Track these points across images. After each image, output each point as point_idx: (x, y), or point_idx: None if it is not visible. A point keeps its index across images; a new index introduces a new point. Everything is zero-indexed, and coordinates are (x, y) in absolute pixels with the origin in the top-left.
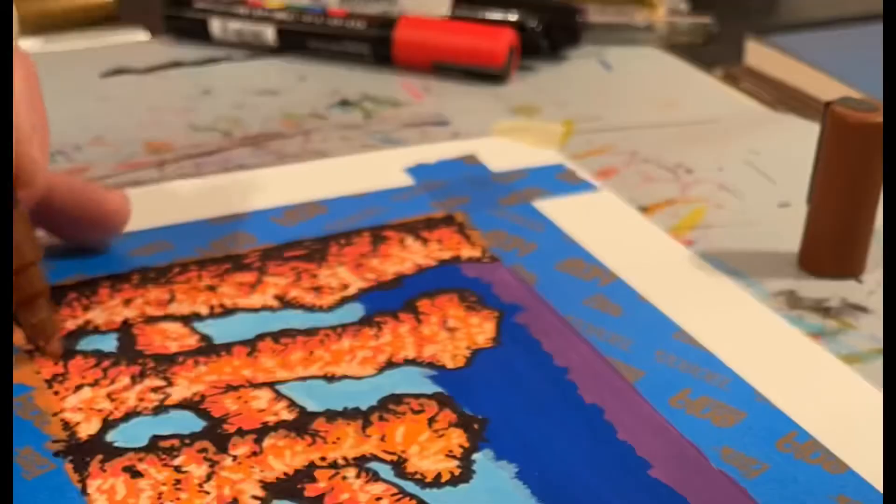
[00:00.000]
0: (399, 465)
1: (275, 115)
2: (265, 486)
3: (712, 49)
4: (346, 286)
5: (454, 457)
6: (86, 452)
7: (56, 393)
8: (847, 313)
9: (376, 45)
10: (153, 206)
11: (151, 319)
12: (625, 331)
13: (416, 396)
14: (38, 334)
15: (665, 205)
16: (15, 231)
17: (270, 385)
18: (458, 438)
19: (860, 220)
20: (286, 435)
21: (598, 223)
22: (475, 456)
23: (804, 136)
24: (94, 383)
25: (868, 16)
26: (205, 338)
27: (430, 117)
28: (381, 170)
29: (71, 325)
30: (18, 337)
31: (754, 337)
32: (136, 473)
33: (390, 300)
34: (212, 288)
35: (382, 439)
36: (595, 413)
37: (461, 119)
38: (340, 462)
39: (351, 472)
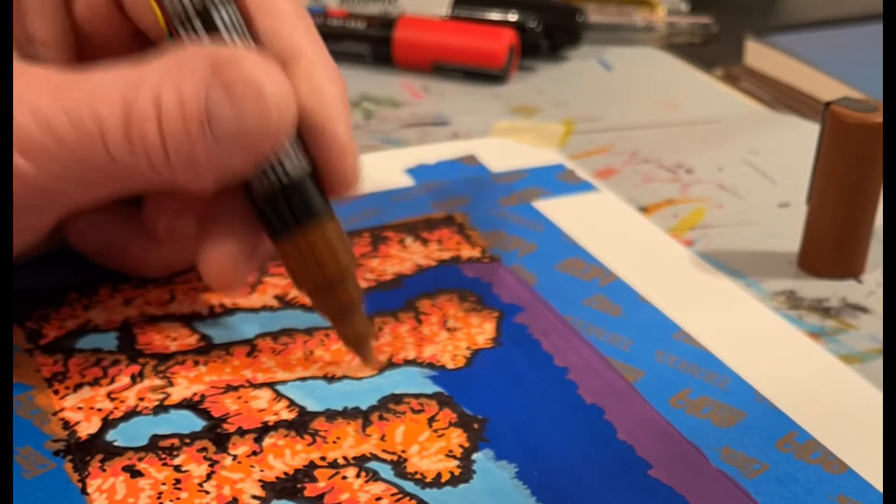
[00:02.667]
0: (399, 465)
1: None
2: (265, 485)
3: (712, 49)
4: None
5: (454, 457)
6: (86, 452)
7: (56, 392)
8: (847, 313)
9: (376, 45)
10: None
11: (151, 319)
12: (625, 331)
13: (416, 396)
14: (356, 346)
15: (665, 205)
16: (326, 235)
17: (270, 385)
18: (458, 438)
19: (860, 220)
20: (286, 434)
21: (598, 223)
22: (475, 456)
23: (804, 136)
24: (94, 382)
25: (868, 16)
26: (205, 337)
27: (430, 117)
28: (380, 170)
29: (71, 324)
30: (18, 336)
31: (754, 337)
32: (135, 473)
33: (390, 300)
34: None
35: (382, 439)
36: (595, 413)
37: (461, 119)
38: (340, 462)
39: (351, 472)
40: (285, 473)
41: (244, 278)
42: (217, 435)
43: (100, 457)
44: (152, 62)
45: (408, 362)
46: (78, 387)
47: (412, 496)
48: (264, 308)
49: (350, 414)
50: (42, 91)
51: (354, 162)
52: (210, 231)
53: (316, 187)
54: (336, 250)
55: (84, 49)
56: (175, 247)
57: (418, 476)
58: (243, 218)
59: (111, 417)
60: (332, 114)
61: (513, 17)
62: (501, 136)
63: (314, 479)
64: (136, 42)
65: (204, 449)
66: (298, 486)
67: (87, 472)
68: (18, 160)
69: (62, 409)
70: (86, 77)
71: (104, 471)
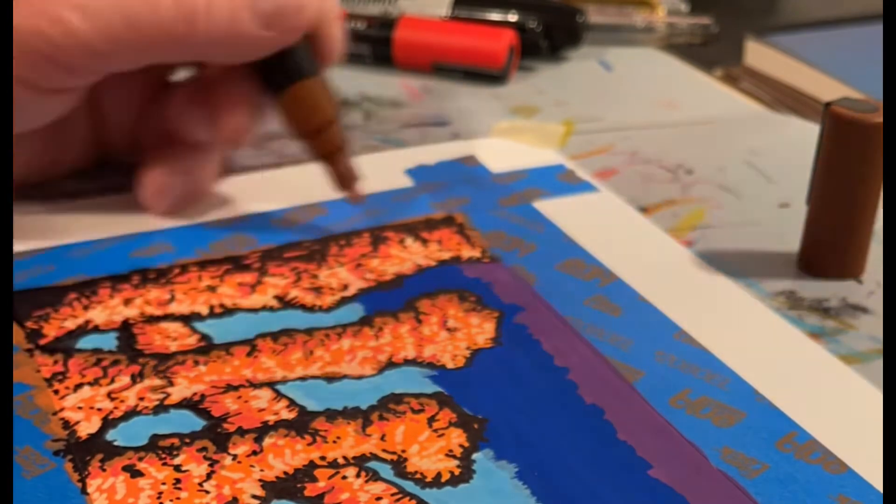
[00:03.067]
0: (399, 465)
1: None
2: (265, 485)
3: (712, 49)
4: (345, 286)
5: (454, 456)
6: (86, 451)
7: (56, 392)
8: (847, 313)
9: (376, 45)
10: None
11: (151, 319)
12: (625, 331)
13: (416, 396)
14: (343, 182)
15: (665, 205)
16: (316, 90)
17: (270, 385)
18: (458, 438)
19: (860, 221)
20: (286, 434)
21: (598, 223)
22: (475, 456)
23: (804, 136)
24: (94, 382)
25: (868, 16)
26: (205, 338)
27: (430, 118)
28: (380, 170)
29: (71, 324)
30: (18, 336)
31: (754, 337)
32: (135, 472)
33: (390, 300)
34: (212, 288)
35: (382, 439)
36: (595, 413)
37: (461, 119)
38: (340, 461)
39: (351, 472)
40: (285, 473)
41: (254, 136)
42: (217, 435)
43: (100, 456)
44: None
45: (408, 362)
46: (78, 387)
47: (412, 496)
48: (264, 308)
49: (350, 414)
50: None
51: (340, 33)
52: (223, 105)
53: (307, 53)
54: (322, 101)
55: None
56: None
57: (418, 476)
58: (250, 89)
59: (111, 417)
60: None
61: (513, 17)
62: (501, 137)
63: (314, 479)
64: None
65: (204, 449)
66: (298, 485)
67: (87, 472)
68: (73, 16)
69: (62, 409)
70: None
71: (104, 470)
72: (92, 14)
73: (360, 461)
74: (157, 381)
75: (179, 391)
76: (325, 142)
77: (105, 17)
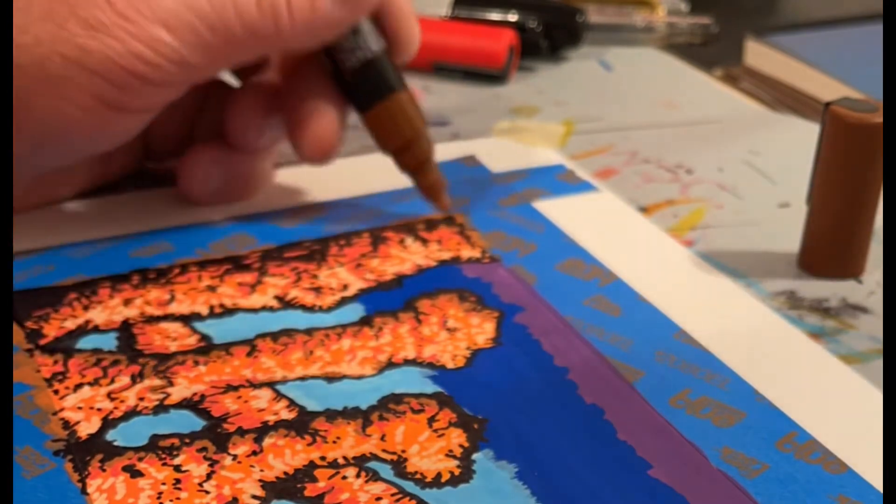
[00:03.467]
0: (399, 465)
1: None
2: (265, 485)
3: (712, 49)
4: (345, 286)
5: (454, 456)
6: (86, 452)
7: (56, 392)
8: (847, 313)
9: None
10: (153, 208)
11: (151, 319)
12: (625, 331)
13: (416, 396)
14: (431, 193)
15: (665, 205)
16: (402, 105)
17: (270, 385)
18: (457, 438)
19: (860, 220)
20: (286, 434)
21: (598, 223)
22: (475, 456)
23: (804, 136)
24: (94, 382)
25: (868, 16)
26: (205, 338)
27: (430, 117)
28: (381, 170)
29: (71, 324)
30: (18, 336)
31: (754, 337)
32: (135, 473)
33: (390, 300)
34: (212, 288)
35: (382, 439)
36: (595, 413)
37: (461, 119)
38: (340, 461)
39: (351, 472)
40: (285, 473)
41: (340, 141)
42: (217, 435)
43: (100, 457)
44: None
45: (408, 362)
46: (78, 387)
47: (412, 496)
48: (264, 308)
49: (350, 414)
50: None
51: (416, 26)
52: (303, 113)
53: (391, 64)
54: (411, 115)
55: None
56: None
57: (418, 476)
58: (328, 97)
59: (111, 417)
60: None
61: (513, 17)
62: (501, 137)
63: (314, 479)
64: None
65: (204, 449)
66: (298, 485)
67: (87, 472)
68: (164, 35)
69: (62, 409)
70: None
71: (104, 471)
72: (177, 28)
73: (360, 461)
74: (157, 382)
75: (179, 391)
76: (412, 156)
77: (192, 29)
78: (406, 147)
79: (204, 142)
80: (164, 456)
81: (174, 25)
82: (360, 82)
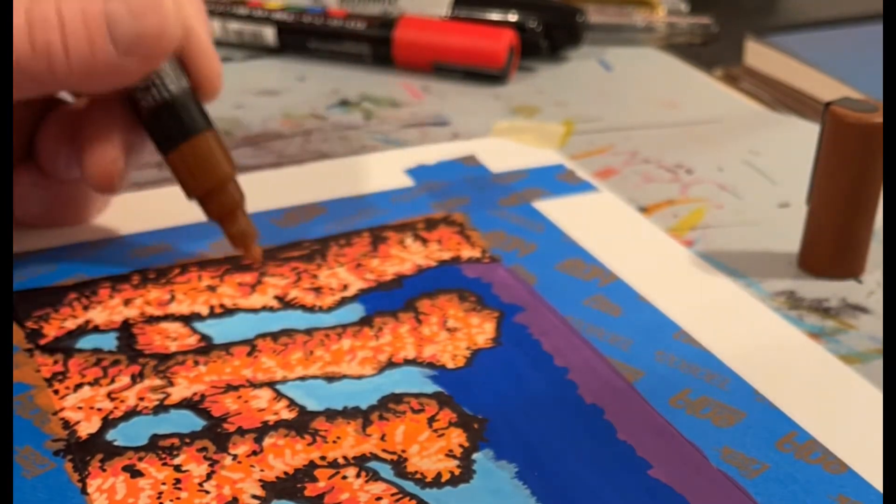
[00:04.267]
0: (399, 465)
1: (275, 116)
2: (265, 485)
3: (712, 49)
4: (345, 286)
5: (454, 456)
6: (86, 451)
7: (56, 392)
8: (847, 313)
9: (376, 45)
10: (153, 208)
11: (151, 319)
12: (625, 331)
13: (417, 396)
14: (240, 243)
15: (665, 205)
16: (213, 150)
17: (270, 384)
18: (458, 438)
19: (860, 220)
20: (286, 434)
21: (598, 223)
22: (475, 456)
23: (804, 136)
24: (94, 382)
25: (868, 16)
26: (205, 338)
27: (430, 117)
28: (380, 170)
29: (71, 324)
30: (18, 336)
31: (754, 337)
32: (135, 472)
33: (390, 300)
34: (212, 288)
35: (382, 439)
36: (595, 413)
37: (461, 119)
38: (340, 461)
39: (351, 472)
40: (285, 473)
41: (124, 177)
42: (217, 435)
43: (100, 456)
44: None
45: (408, 362)
46: (78, 387)
47: (412, 496)
48: (264, 308)
49: (350, 413)
50: None
51: (218, 66)
52: (92, 144)
53: (195, 102)
54: (217, 159)
55: None
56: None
57: (418, 476)
58: (119, 132)
59: (111, 417)
60: (194, 23)
61: (513, 17)
62: (501, 137)
63: (314, 479)
64: None
65: (204, 449)
66: (298, 485)
67: (87, 472)
68: None
69: (62, 409)
70: None
71: (104, 470)
72: None
73: (360, 461)
74: (157, 382)
75: (179, 391)
76: (218, 204)
77: None
78: (209, 194)
79: (27, 163)
80: (164, 456)
81: None
82: (157, 123)
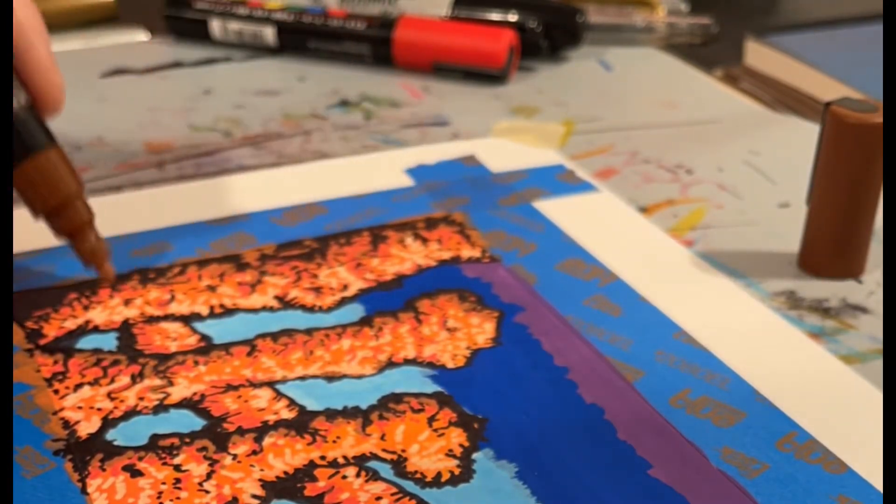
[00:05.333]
0: (399, 465)
1: (275, 116)
2: (265, 484)
3: (712, 49)
4: (345, 286)
5: (454, 456)
6: (86, 451)
7: (56, 392)
8: (847, 313)
9: (376, 45)
10: (153, 208)
11: (151, 319)
12: (625, 331)
13: (417, 395)
14: (91, 259)
15: (665, 205)
16: (57, 167)
17: (270, 384)
18: (458, 438)
19: (860, 221)
20: (286, 434)
21: (598, 223)
22: (475, 455)
23: (804, 136)
24: (94, 382)
25: (868, 16)
26: (205, 338)
27: (430, 117)
28: (380, 170)
29: (71, 324)
30: (18, 336)
31: (754, 337)
32: (135, 472)
33: (390, 300)
34: (212, 288)
35: (382, 438)
36: (595, 413)
37: (461, 119)
38: (340, 461)
39: (351, 472)
40: (285, 473)
41: None
42: (217, 434)
43: (100, 456)
44: None
45: (408, 362)
46: (78, 387)
47: (412, 496)
48: (264, 308)
49: (350, 413)
50: None
51: (59, 77)
52: None
53: (36, 120)
54: (61, 176)
55: None
56: None
57: (418, 475)
58: None
59: (111, 417)
60: (31, 36)
61: (513, 17)
62: (501, 137)
63: (314, 479)
64: None
65: (204, 448)
66: (298, 485)
67: (87, 472)
68: None
69: (62, 409)
70: None
71: (104, 470)
72: None
73: (360, 461)
74: (157, 382)
75: (179, 391)
76: (67, 220)
77: None
78: (55, 212)
79: None
80: (164, 455)
81: None
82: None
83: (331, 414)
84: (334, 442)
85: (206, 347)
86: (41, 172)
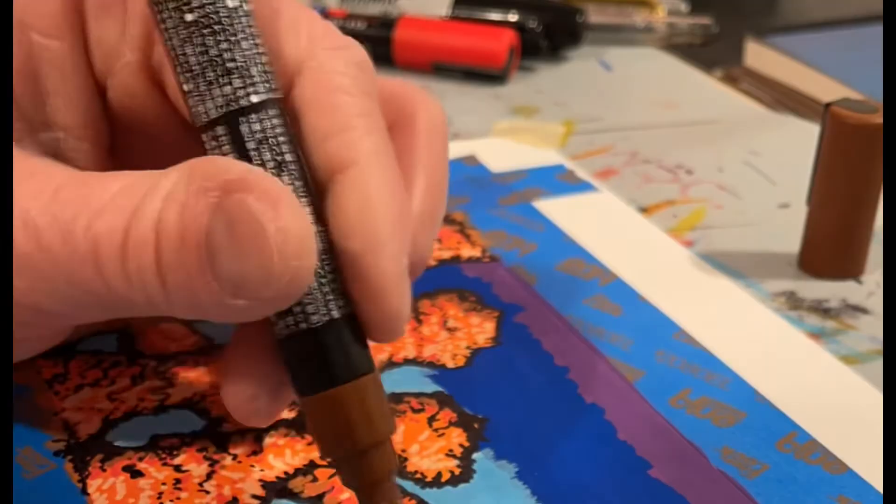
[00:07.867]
0: (399, 465)
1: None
2: (265, 485)
3: (712, 49)
4: None
5: (454, 456)
6: (86, 452)
7: (56, 393)
8: (847, 314)
9: (376, 45)
10: None
11: (151, 320)
12: (625, 331)
13: (417, 395)
14: None
15: (665, 205)
16: (366, 399)
17: None
18: (458, 438)
19: (860, 221)
20: (286, 434)
21: (598, 223)
22: (475, 455)
23: (804, 136)
24: (94, 383)
25: (868, 16)
26: (205, 338)
27: None
28: None
29: None
30: None
31: (754, 337)
32: (136, 473)
33: None
34: None
35: None
36: (595, 413)
37: (461, 119)
38: None
39: None
40: (285, 473)
41: (270, 416)
42: (217, 434)
43: (100, 457)
44: (167, 173)
45: (408, 361)
46: (78, 388)
47: (412, 496)
48: None
49: None
50: (39, 192)
51: (398, 303)
52: (231, 365)
53: (353, 335)
54: (371, 413)
55: (121, 138)
56: None
57: (418, 475)
58: (268, 356)
59: (111, 417)
60: (377, 240)
61: (513, 17)
62: (501, 137)
63: (314, 479)
64: (183, 130)
65: (204, 448)
66: (298, 485)
67: (87, 472)
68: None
69: (62, 410)
70: (90, 180)
71: (104, 471)
72: (25, 267)
73: None
74: (157, 382)
75: (179, 392)
76: (366, 469)
77: (47, 278)
78: (356, 457)
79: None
80: (164, 456)
81: (17, 261)
82: (294, 359)
83: None
84: None
85: (206, 348)
86: (343, 409)
